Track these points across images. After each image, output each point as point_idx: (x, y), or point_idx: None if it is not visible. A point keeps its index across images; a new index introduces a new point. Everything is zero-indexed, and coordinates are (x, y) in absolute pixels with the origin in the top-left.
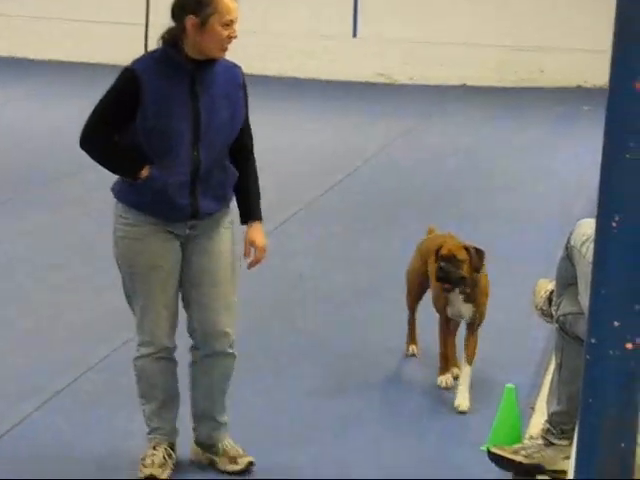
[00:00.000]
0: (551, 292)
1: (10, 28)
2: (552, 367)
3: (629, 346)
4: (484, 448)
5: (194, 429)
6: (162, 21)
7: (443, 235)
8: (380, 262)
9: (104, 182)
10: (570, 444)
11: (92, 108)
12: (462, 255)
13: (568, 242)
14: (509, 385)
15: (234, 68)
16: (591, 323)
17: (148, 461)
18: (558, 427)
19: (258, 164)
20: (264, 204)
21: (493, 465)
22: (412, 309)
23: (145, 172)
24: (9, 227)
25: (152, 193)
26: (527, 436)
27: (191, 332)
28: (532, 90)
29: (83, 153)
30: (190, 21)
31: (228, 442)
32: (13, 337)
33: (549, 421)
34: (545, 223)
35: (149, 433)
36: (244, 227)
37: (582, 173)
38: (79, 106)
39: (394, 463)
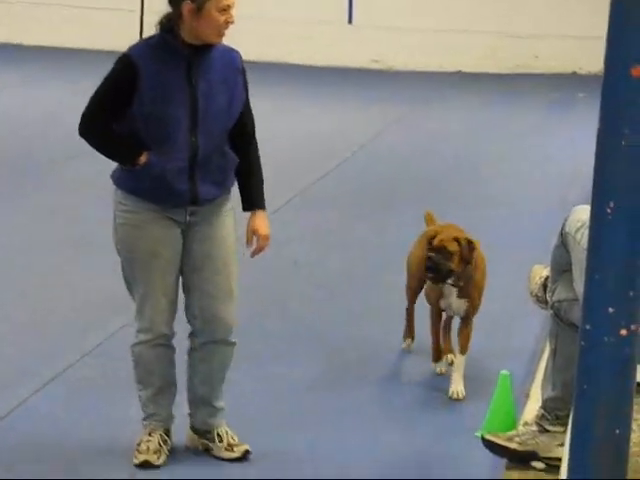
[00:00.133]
0: (546, 278)
1: (10, 15)
2: (546, 354)
3: (624, 332)
4: (478, 435)
5: (190, 415)
6: (158, 7)
7: (444, 225)
8: (375, 248)
9: (101, 168)
10: (564, 431)
11: (89, 95)
12: (453, 247)
13: (563, 228)
14: (504, 372)
15: (232, 53)
16: (586, 309)
17: (143, 447)
18: (553, 413)
19: None
20: None
21: (488, 452)
22: (412, 301)
23: (143, 158)
24: (4, 213)
25: (150, 179)
26: (521, 422)
27: (191, 319)
28: (527, 77)
29: (79, 139)
30: (186, 7)
31: (224, 429)
32: (9, 322)
33: (543, 407)
34: (540, 209)
35: (145, 419)
36: (245, 213)
37: (577, 160)
38: (73, 91)
39: (390, 450)
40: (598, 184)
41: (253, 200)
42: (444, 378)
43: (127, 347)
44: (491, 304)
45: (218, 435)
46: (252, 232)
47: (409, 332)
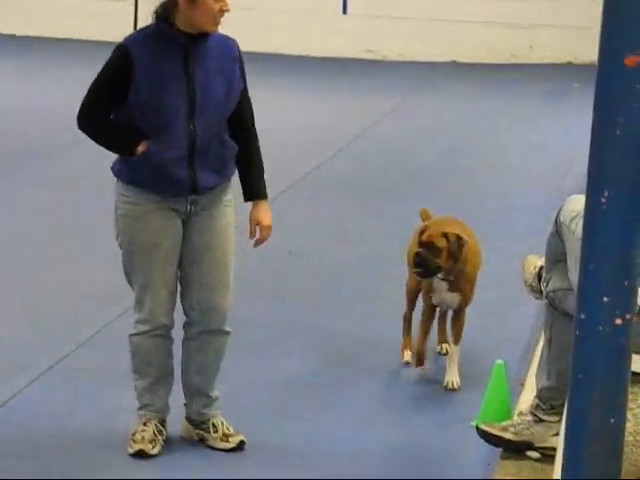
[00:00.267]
0: (540, 268)
1: (8, 6)
2: (541, 343)
3: (618, 322)
4: (473, 424)
5: (186, 405)
6: None
7: (442, 218)
8: (370, 238)
9: (99, 160)
10: (559, 420)
11: (87, 86)
12: (441, 243)
13: (557, 218)
14: (498, 361)
15: (228, 41)
16: (580, 299)
17: (138, 437)
18: (547, 402)
19: None
20: None
21: (483, 442)
22: (411, 304)
23: (142, 147)
24: (4, 204)
25: (150, 168)
26: (516, 412)
27: (188, 310)
28: (522, 67)
29: (77, 130)
30: None
31: (220, 419)
32: (5, 312)
33: (538, 396)
34: (535, 199)
35: (140, 409)
36: (244, 203)
37: (572, 149)
38: (69, 81)
39: (385, 440)
40: (593, 174)
41: (255, 190)
42: (439, 369)
43: (122, 338)
44: (486, 294)
45: (213, 425)
46: (255, 223)
47: (407, 342)
